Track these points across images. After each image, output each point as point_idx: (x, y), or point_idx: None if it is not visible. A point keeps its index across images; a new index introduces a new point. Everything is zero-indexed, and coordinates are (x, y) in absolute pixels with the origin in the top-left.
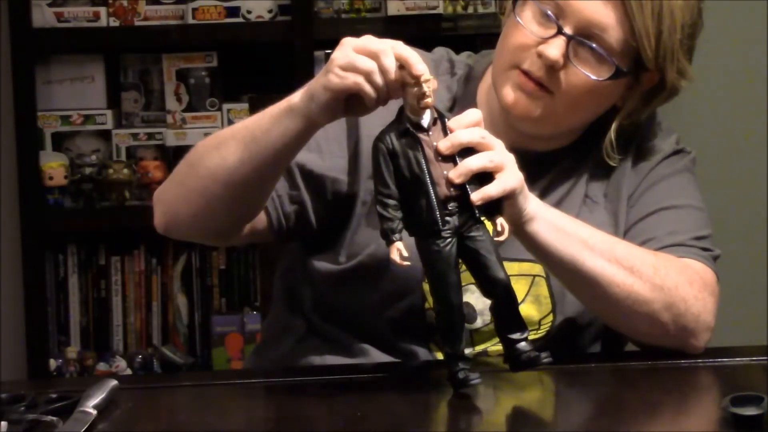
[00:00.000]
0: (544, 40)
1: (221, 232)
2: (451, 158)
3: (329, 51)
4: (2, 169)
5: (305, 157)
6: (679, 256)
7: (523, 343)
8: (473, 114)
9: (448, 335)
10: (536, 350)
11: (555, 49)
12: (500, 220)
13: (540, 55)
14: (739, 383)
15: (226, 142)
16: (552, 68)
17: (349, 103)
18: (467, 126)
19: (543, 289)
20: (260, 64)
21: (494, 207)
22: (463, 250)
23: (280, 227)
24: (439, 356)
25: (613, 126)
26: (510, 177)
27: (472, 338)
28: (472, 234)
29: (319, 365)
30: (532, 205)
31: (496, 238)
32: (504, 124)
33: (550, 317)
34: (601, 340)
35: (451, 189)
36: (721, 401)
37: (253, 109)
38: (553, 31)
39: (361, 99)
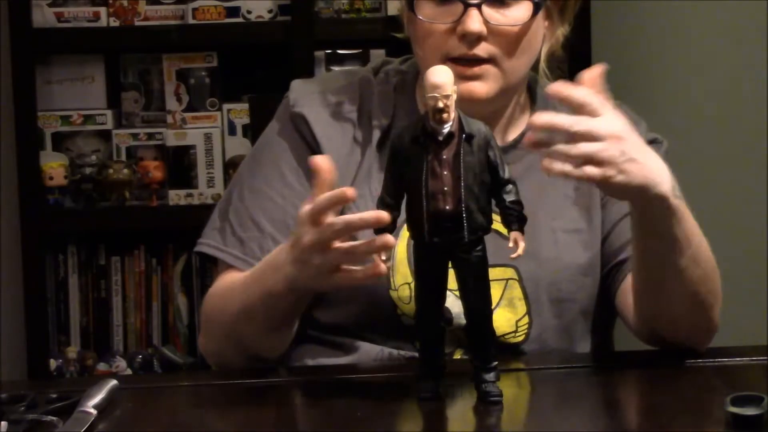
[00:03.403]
0: (458, 21)
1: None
2: (456, 174)
3: (329, 51)
4: (2, 169)
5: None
6: None
7: (486, 374)
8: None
9: (420, 340)
10: (496, 386)
11: (474, 22)
12: (515, 236)
13: (463, 36)
14: (739, 383)
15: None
16: (479, 39)
17: None
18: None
19: (516, 291)
20: (260, 64)
21: (512, 219)
22: (453, 265)
23: None
24: None
25: (543, 54)
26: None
27: (458, 339)
28: (462, 255)
29: (318, 365)
30: (655, 177)
31: (511, 255)
32: None
33: (526, 319)
34: (590, 339)
35: (447, 207)
36: (721, 401)
37: (253, 109)
38: (460, 7)
39: None
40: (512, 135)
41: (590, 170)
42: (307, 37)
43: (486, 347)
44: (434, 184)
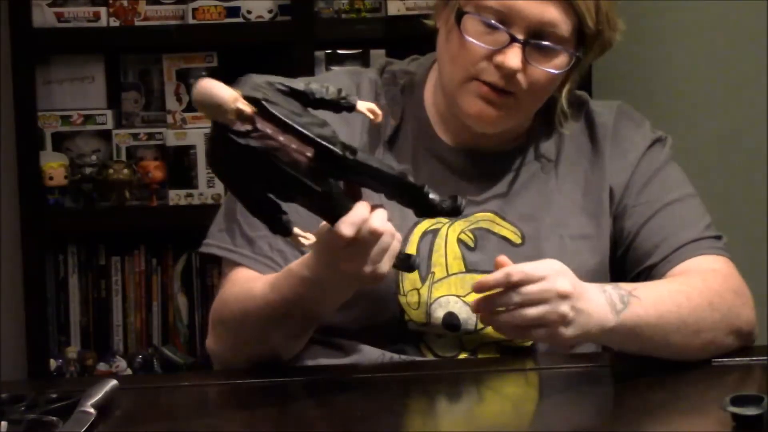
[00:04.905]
0: (499, 51)
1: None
2: (292, 132)
3: (329, 51)
4: (2, 169)
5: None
6: (701, 254)
7: (433, 196)
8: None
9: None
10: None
11: (514, 58)
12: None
13: (499, 66)
14: (739, 383)
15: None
16: (512, 76)
17: None
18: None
19: None
20: (260, 64)
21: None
22: (353, 179)
23: None
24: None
25: (564, 94)
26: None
27: (461, 343)
28: (350, 165)
29: (318, 365)
30: (596, 319)
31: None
32: (455, 124)
33: None
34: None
35: (307, 153)
36: (721, 401)
37: None
38: (505, 39)
39: None
40: (515, 142)
41: (538, 332)
42: (307, 37)
43: (421, 195)
44: (285, 155)
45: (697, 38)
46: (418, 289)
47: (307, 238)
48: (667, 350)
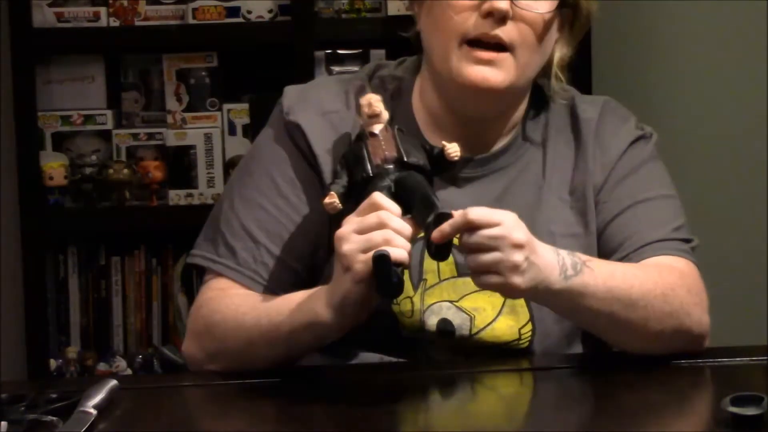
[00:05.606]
0: (484, 0)
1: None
2: (394, 149)
3: (329, 51)
4: (2, 169)
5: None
6: (664, 254)
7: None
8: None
9: None
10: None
11: (503, 0)
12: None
13: (489, 13)
14: (739, 383)
15: (257, 342)
16: (503, 21)
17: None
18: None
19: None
20: (260, 64)
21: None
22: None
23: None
24: None
25: (555, 63)
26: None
27: (456, 348)
28: (405, 180)
29: (318, 365)
30: (544, 276)
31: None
32: (450, 123)
33: (529, 326)
34: (590, 340)
35: (386, 154)
36: (721, 401)
37: (253, 109)
38: None
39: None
40: (506, 138)
41: (492, 279)
42: (307, 37)
43: (432, 198)
44: (374, 153)
45: (698, 37)
46: (410, 297)
47: (332, 203)
48: (612, 330)
